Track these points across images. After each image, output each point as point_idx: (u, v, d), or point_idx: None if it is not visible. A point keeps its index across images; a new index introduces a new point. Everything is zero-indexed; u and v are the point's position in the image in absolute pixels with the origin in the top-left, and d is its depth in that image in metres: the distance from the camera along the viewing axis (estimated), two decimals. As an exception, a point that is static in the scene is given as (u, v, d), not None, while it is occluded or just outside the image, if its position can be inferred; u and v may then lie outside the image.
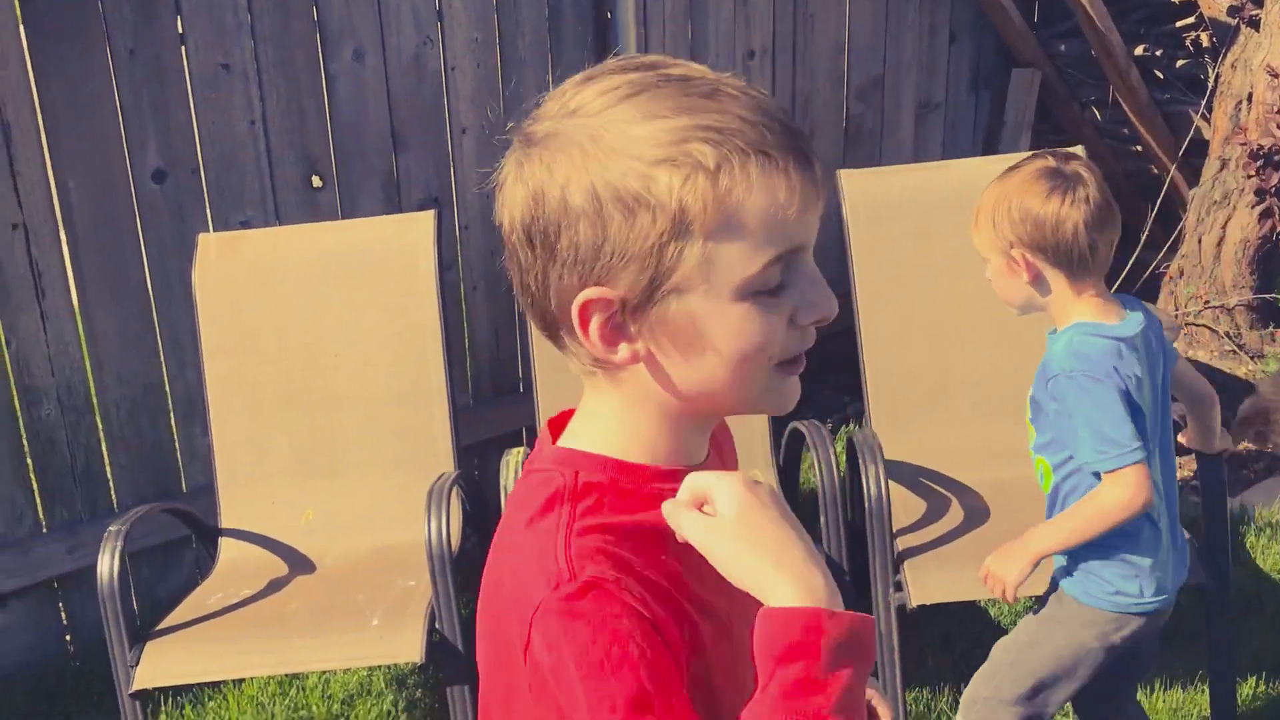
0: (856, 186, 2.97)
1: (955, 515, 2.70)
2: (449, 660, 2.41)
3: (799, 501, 2.99)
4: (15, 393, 2.82)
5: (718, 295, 0.85)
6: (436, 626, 2.38)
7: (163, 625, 2.46)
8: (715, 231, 0.84)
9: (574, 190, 0.84)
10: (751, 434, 2.89)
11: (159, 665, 2.33)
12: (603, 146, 0.84)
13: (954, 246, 2.98)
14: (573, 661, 0.82)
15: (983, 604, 2.97)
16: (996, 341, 2.88)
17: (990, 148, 4.60)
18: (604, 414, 0.94)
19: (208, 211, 3.02)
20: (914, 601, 2.42)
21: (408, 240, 2.88)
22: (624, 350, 0.89)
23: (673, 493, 0.90)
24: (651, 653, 0.82)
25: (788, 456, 2.97)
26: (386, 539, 2.68)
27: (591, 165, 0.84)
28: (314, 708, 2.80)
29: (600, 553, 0.87)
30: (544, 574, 0.86)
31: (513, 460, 2.69)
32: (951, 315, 2.94)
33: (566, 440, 0.96)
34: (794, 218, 0.85)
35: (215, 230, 2.99)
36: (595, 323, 0.87)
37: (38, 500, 2.90)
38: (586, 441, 0.94)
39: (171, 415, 3.08)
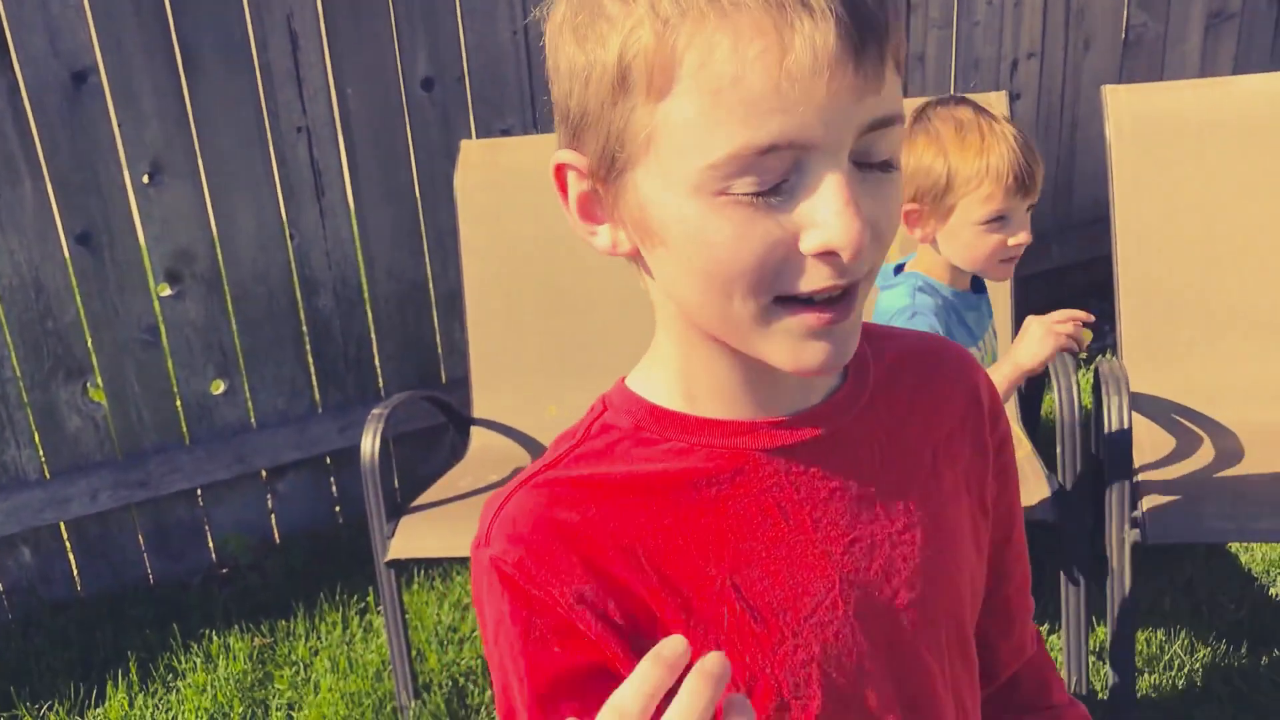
0: (1123, 103, 2.81)
1: (1206, 455, 2.56)
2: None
3: (1039, 432, 2.90)
4: (297, 283, 3.08)
5: (671, 181, 0.68)
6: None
7: (416, 503, 2.66)
8: (663, 97, 0.66)
9: (556, 34, 0.72)
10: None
11: (410, 539, 2.54)
12: None
13: (1237, 172, 2.80)
14: (480, 623, 0.83)
15: (1230, 548, 2.82)
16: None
17: (1292, 61, 4.22)
18: (658, 340, 0.81)
19: (471, 118, 3.17)
20: (1150, 539, 2.34)
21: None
22: (604, 234, 0.76)
23: (723, 450, 0.79)
24: (528, 649, 0.77)
25: (1031, 384, 2.89)
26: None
27: (572, 3, 0.71)
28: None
29: (530, 515, 0.80)
30: (480, 523, 0.83)
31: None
32: (1230, 245, 2.75)
33: (631, 375, 0.84)
34: (793, 101, 0.63)
35: (477, 137, 3.14)
36: (573, 194, 0.76)
37: (314, 383, 3.18)
38: (641, 377, 0.84)
39: (434, 310, 3.29)
